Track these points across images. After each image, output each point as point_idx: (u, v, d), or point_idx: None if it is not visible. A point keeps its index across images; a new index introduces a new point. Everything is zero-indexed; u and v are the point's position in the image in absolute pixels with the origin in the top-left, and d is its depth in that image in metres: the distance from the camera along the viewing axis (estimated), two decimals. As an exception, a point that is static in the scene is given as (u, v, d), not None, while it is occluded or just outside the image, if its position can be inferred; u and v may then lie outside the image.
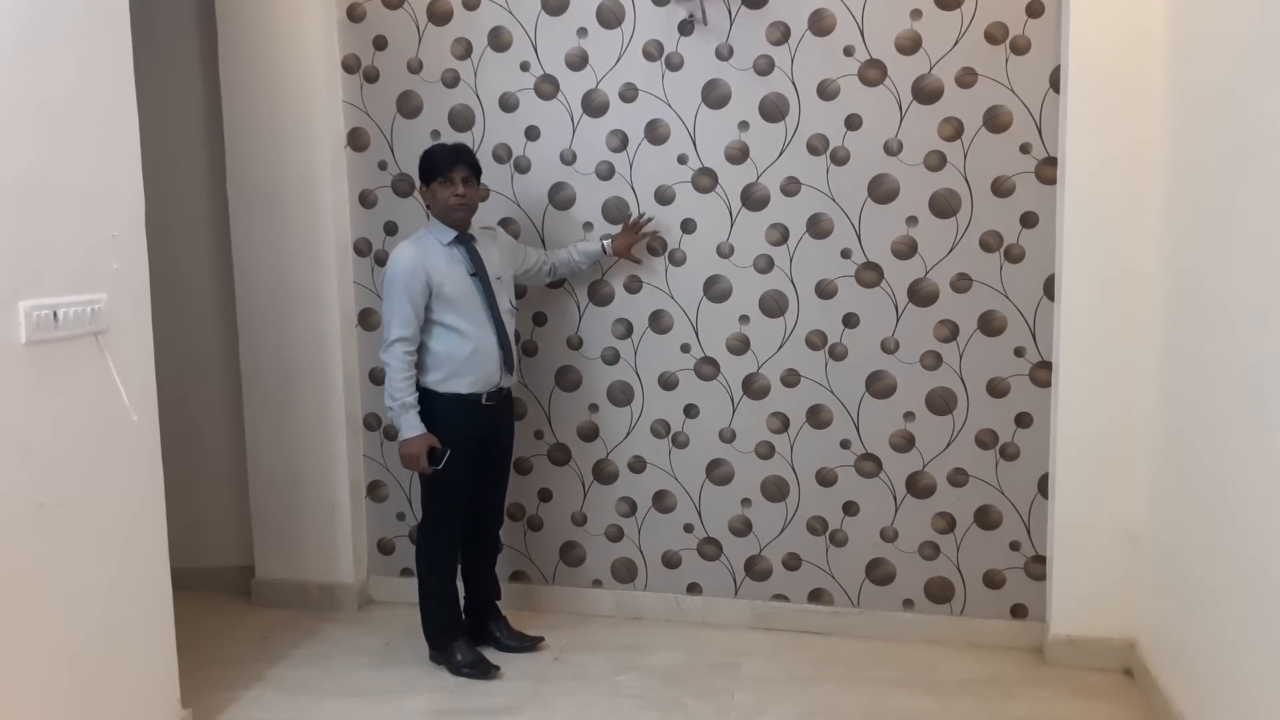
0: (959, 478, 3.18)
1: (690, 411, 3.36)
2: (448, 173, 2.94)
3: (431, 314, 2.93)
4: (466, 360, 2.95)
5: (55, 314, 2.22)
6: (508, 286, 3.09)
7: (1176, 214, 2.67)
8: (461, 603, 3.19)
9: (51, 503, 2.23)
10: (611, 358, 3.40)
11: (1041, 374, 3.08)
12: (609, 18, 3.25)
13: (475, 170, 3.00)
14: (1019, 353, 3.09)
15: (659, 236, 3.29)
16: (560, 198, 3.37)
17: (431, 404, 2.95)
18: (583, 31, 3.27)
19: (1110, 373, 2.90)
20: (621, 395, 3.41)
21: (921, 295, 3.14)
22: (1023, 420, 3.12)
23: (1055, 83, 2.95)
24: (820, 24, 3.10)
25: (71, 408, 2.29)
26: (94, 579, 2.37)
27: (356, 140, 3.51)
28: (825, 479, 3.28)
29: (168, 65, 3.56)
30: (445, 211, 2.96)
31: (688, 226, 3.28)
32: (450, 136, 3.39)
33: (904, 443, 3.21)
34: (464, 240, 3.00)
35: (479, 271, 2.99)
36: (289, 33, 3.38)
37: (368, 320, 3.58)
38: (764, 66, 3.15)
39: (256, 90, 3.43)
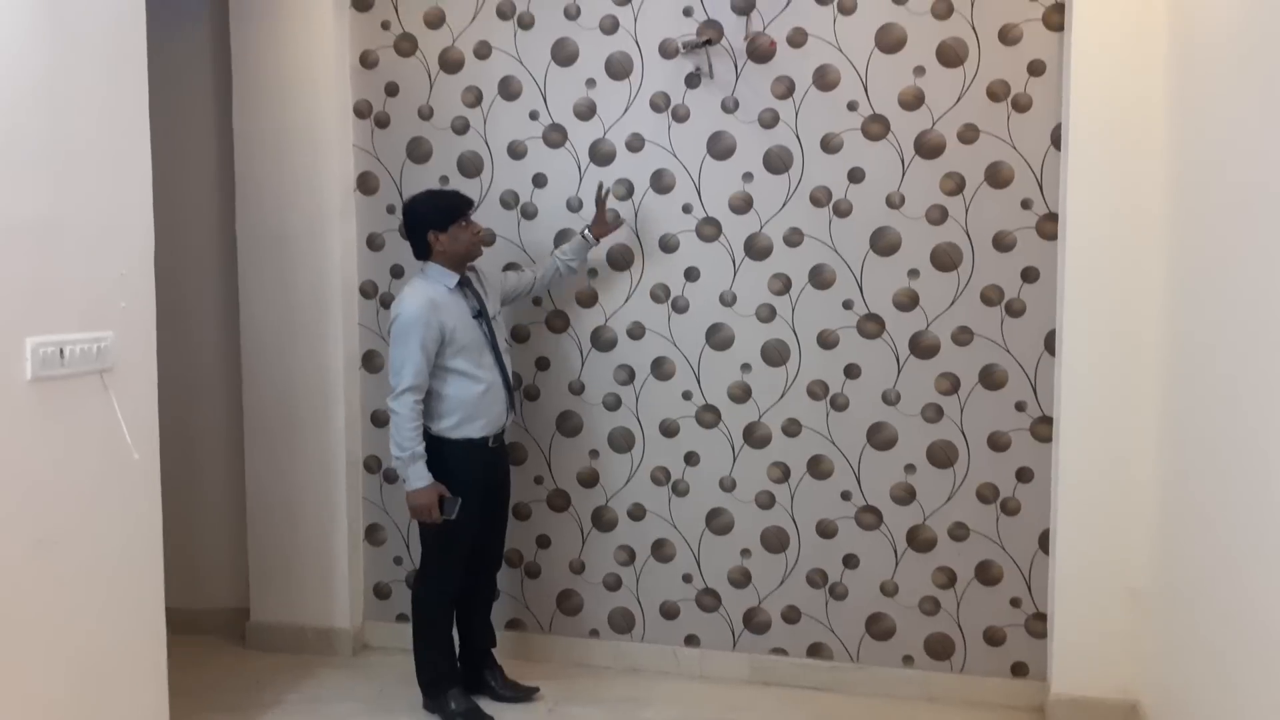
0: (960, 532, 3.16)
1: (691, 459, 3.36)
2: (467, 212, 3.01)
3: (442, 360, 2.93)
4: (478, 402, 2.96)
5: (62, 351, 2.23)
6: (501, 323, 3.12)
7: (1177, 271, 2.68)
8: (456, 650, 3.16)
9: (50, 539, 2.23)
10: (613, 404, 3.41)
11: (1042, 429, 3.08)
12: (617, 70, 3.31)
13: None
14: (1020, 407, 3.09)
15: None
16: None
17: (443, 451, 2.95)
18: (591, 82, 3.33)
19: (1111, 428, 2.89)
20: (622, 441, 3.41)
21: (923, 348, 3.15)
22: (1024, 475, 3.10)
23: (1056, 140, 2.99)
24: (824, 79, 3.15)
25: (74, 445, 2.29)
26: (88, 618, 2.35)
27: (366, 184, 3.55)
28: (826, 530, 3.26)
29: (182, 106, 3.62)
30: (468, 252, 3.00)
31: (691, 275, 3.31)
32: (459, 182, 3.43)
33: (905, 495, 3.19)
34: (465, 282, 3.02)
35: (482, 312, 3.01)
36: (302, 77, 3.44)
37: (371, 362, 3.59)
38: (769, 119, 3.20)
39: (268, 132, 3.48)
